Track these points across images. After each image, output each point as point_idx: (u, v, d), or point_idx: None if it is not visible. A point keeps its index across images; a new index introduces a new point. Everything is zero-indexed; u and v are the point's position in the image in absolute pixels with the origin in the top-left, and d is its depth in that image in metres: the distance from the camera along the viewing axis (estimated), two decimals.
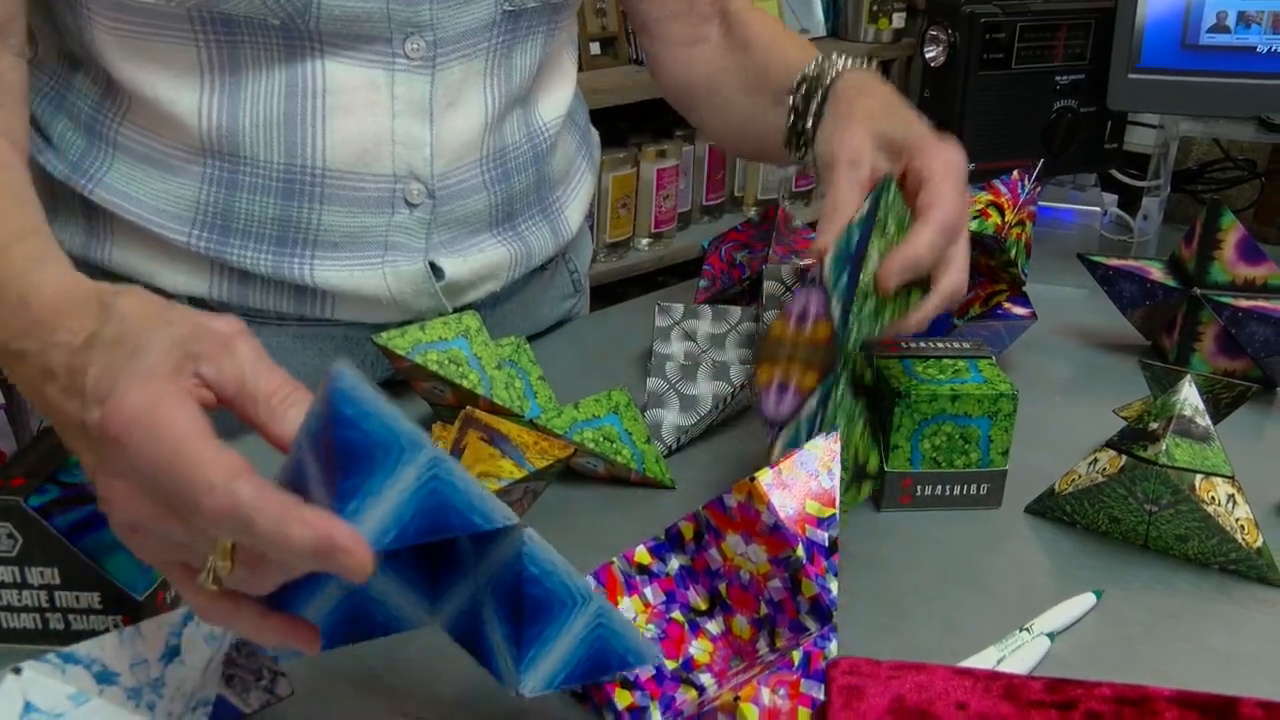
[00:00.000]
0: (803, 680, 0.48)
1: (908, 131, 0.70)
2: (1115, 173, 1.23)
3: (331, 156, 0.72)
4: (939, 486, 0.70)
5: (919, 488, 0.70)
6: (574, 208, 0.91)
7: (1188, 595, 0.63)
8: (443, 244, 0.79)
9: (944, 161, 0.67)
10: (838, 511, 0.53)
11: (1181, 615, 0.62)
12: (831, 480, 0.53)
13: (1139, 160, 1.23)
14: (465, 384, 0.67)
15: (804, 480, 0.53)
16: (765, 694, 0.47)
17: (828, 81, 0.77)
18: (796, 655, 0.49)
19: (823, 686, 0.49)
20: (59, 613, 0.55)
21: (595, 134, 0.99)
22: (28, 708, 0.43)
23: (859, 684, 0.46)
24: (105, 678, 0.48)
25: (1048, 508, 0.70)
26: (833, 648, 0.50)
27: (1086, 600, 0.61)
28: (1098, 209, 1.18)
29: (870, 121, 0.71)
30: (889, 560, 0.66)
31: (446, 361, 0.68)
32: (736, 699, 0.46)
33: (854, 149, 0.69)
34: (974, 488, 0.71)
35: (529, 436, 0.64)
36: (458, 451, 0.62)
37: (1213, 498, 0.63)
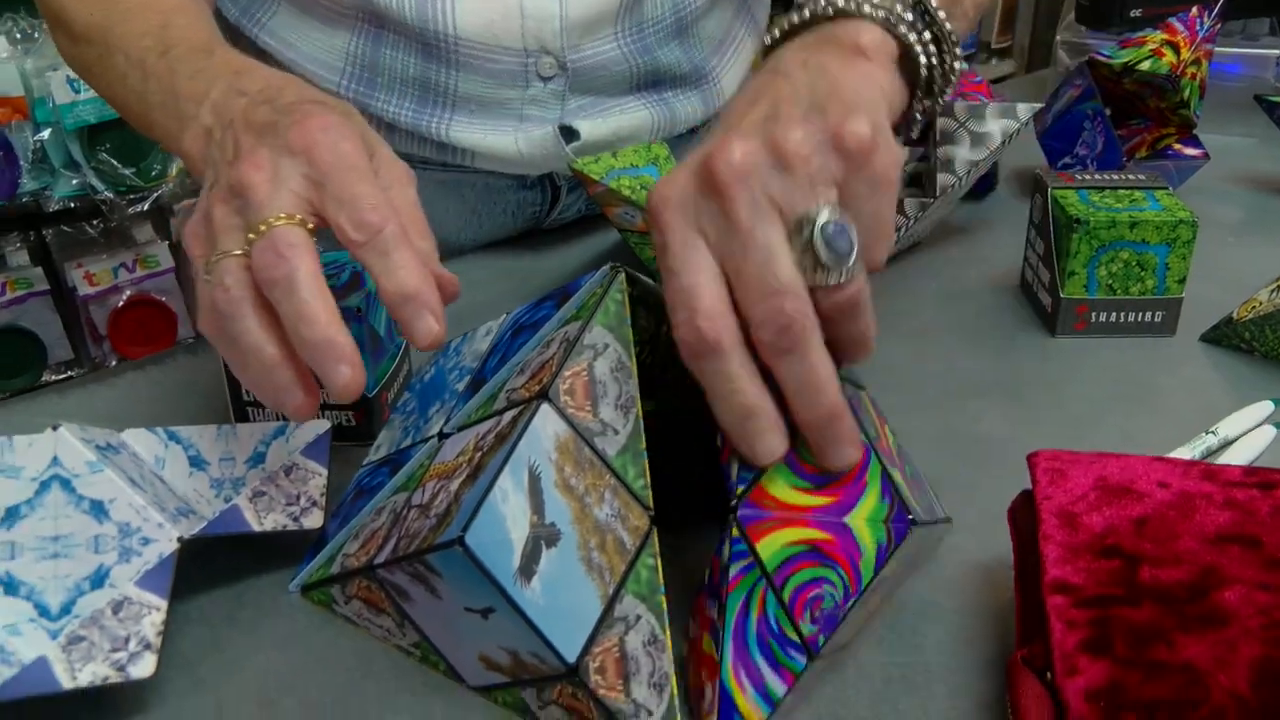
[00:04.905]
0: None
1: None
2: None
3: (462, 26, 0.74)
4: (1114, 313, 0.72)
5: (1094, 314, 0.72)
6: (731, 75, 0.89)
7: None
8: (580, 108, 0.80)
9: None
10: None
11: None
12: None
13: None
14: None
15: None
16: None
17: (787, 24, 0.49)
18: None
19: None
20: None
21: None
22: (54, 461, 0.47)
23: (1062, 468, 0.49)
24: (197, 463, 0.53)
25: (1224, 335, 0.71)
26: None
27: (1264, 407, 0.63)
28: (1274, 54, 1.13)
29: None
30: (1062, 381, 0.68)
31: (638, 187, 0.71)
32: None
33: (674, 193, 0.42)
34: (1149, 315, 0.72)
35: None
36: None
37: None
